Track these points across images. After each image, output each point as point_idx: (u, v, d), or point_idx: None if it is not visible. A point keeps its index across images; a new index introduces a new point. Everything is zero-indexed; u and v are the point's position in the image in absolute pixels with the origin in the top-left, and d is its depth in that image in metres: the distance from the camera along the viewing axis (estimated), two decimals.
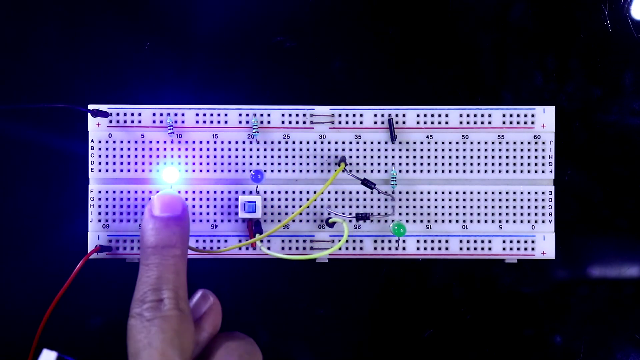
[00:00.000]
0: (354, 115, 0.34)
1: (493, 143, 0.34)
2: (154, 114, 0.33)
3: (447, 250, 0.34)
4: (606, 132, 0.35)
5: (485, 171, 0.34)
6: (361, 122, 0.34)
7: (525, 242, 0.34)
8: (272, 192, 0.34)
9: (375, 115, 0.34)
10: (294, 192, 0.34)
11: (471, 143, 0.34)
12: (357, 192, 0.34)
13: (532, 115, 0.34)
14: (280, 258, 0.31)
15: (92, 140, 0.33)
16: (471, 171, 0.34)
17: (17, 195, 0.35)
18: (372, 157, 0.34)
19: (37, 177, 0.35)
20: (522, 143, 0.34)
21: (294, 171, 0.34)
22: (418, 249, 0.34)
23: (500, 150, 0.34)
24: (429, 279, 0.36)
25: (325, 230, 0.34)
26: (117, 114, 0.33)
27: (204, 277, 0.35)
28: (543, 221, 0.34)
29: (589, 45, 0.35)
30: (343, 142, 0.34)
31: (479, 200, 0.34)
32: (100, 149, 0.33)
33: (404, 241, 0.34)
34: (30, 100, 0.35)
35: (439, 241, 0.34)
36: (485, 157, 0.34)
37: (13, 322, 0.35)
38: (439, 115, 0.34)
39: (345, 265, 0.35)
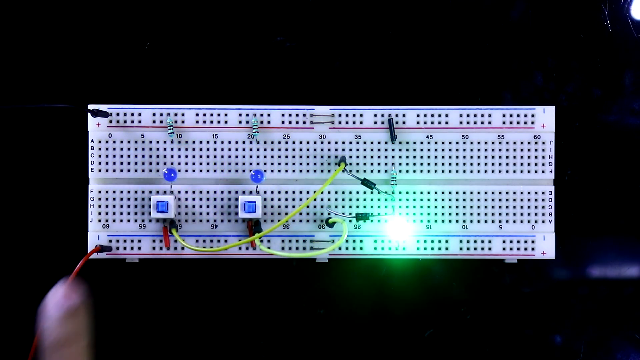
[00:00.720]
0: (354, 115, 0.34)
1: (493, 143, 0.34)
2: (154, 114, 0.33)
3: (447, 250, 0.34)
4: (606, 132, 0.35)
5: (485, 171, 0.34)
6: (361, 122, 0.34)
7: (525, 242, 0.34)
8: (272, 192, 0.34)
9: (375, 115, 0.34)
10: (294, 192, 0.34)
11: (471, 143, 0.34)
12: (357, 192, 0.34)
13: (532, 115, 0.34)
14: (280, 257, 0.31)
15: (92, 140, 0.33)
16: (471, 171, 0.34)
17: (17, 195, 0.35)
18: (372, 157, 0.34)
19: (37, 177, 0.35)
20: (522, 143, 0.34)
21: (294, 171, 0.34)
22: (418, 249, 0.34)
23: (500, 150, 0.34)
24: (429, 279, 0.36)
25: (325, 230, 0.34)
26: (117, 114, 0.33)
27: (204, 277, 0.35)
28: (543, 221, 0.34)
29: (589, 45, 0.35)
30: (343, 142, 0.34)
31: (479, 200, 0.34)
32: (100, 149, 0.33)
33: (404, 241, 0.34)
34: (30, 100, 0.35)
35: (439, 241, 0.34)
36: (485, 157, 0.34)
37: (13, 322, 0.35)
38: (439, 115, 0.34)
39: (345, 265, 0.35)
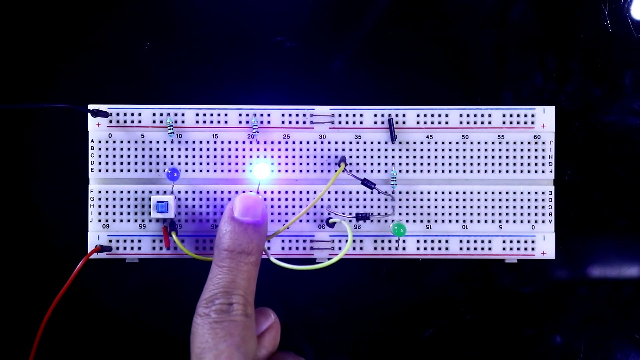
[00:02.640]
0: (354, 115, 0.34)
1: (493, 143, 0.34)
2: (154, 114, 0.33)
3: (447, 250, 0.34)
4: (606, 132, 0.35)
5: (485, 171, 0.34)
6: (361, 122, 0.34)
7: (525, 242, 0.34)
8: (272, 192, 0.34)
9: (375, 115, 0.34)
10: (294, 192, 0.34)
11: (471, 143, 0.34)
12: (357, 192, 0.34)
13: (532, 115, 0.34)
14: (284, 267, 0.31)
15: (92, 140, 0.33)
16: (471, 171, 0.34)
17: (17, 195, 0.35)
18: (372, 157, 0.34)
19: (37, 177, 0.35)
20: (522, 143, 0.34)
21: (294, 171, 0.34)
22: (418, 249, 0.34)
23: (500, 150, 0.34)
24: (429, 279, 0.36)
25: (325, 230, 0.34)
26: (117, 114, 0.33)
27: (204, 277, 0.35)
28: (543, 221, 0.34)
29: (589, 45, 0.35)
30: (343, 142, 0.34)
31: (479, 200, 0.34)
32: (100, 149, 0.33)
33: (404, 241, 0.34)
34: (30, 100, 0.35)
35: (439, 241, 0.34)
36: (485, 157, 0.34)
37: (13, 322, 0.35)
38: (439, 115, 0.34)
39: (345, 265, 0.35)
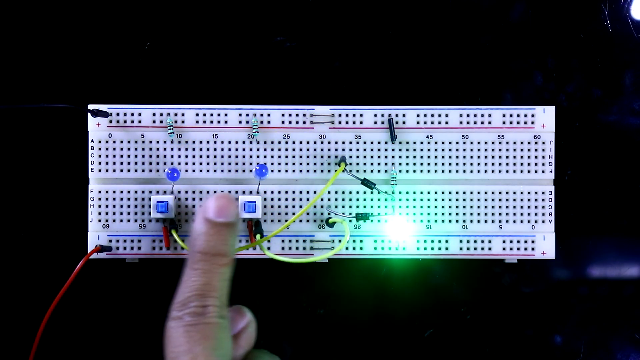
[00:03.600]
0: (354, 115, 0.34)
1: (493, 143, 0.34)
2: (154, 114, 0.33)
3: (447, 250, 0.34)
4: (606, 132, 0.35)
5: (485, 171, 0.34)
6: (361, 122, 0.34)
7: (525, 242, 0.34)
8: (272, 192, 0.34)
9: (375, 115, 0.34)
10: (294, 192, 0.34)
11: (471, 143, 0.34)
12: (357, 192, 0.34)
13: (532, 115, 0.34)
14: (282, 261, 0.31)
15: (92, 140, 0.33)
16: (471, 171, 0.34)
17: (17, 195, 0.35)
18: (372, 157, 0.34)
19: (37, 177, 0.35)
20: (522, 143, 0.34)
21: (294, 171, 0.34)
22: (418, 249, 0.34)
23: (500, 150, 0.34)
24: (429, 279, 0.36)
25: (325, 230, 0.34)
26: (117, 114, 0.33)
27: None
28: (543, 221, 0.34)
29: (589, 45, 0.35)
30: (343, 142, 0.34)
31: (479, 200, 0.34)
32: (100, 149, 0.33)
33: (404, 241, 0.34)
34: (30, 100, 0.35)
35: (439, 241, 0.34)
36: (485, 157, 0.34)
37: (13, 322, 0.35)
38: (439, 115, 0.34)
39: (345, 265, 0.35)
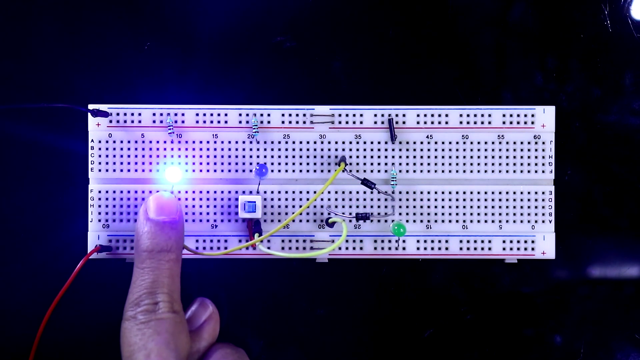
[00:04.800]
0: (354, 115, 0.34)
1: (493, 143, 0.34)
2: (154, 114, 0.34)
3: (447, 250, 0.34)
4: (606, 132, 0.35)
5: (485, 171, 0.34)
6: (361, 122, 0.34)
7: (525, 242, 0.34)
8: (272, 192, 0.34)
9: (375, 115, 0.34)
10: (294, 192, 0.34)
11: (471, 143, 0.34)
12: (357, 192, 0.34)
13: (532, 115, 0.34)
14: (280, 257, 0.31)
15: (92, 140, 0.33)
16: (471, 171, 0.34)
17: (17, 195, 0.35)
18: (372, 157, 0.34)
19: (37, 177, 0.35)
20: (522, 143, 0.34)
21: (294, 171, 0.34)
22: (418, 249, 0.34)
23: (500, 150, 0.34)
24: (429, 279, 0.36)
25: (325, 230, 0.34)
26: (117, 114, 0.33)
27: (204, 277, 0.35)
28: (543, 221, 0.34)
29: (589, 45, 0.35)
30: (343, 142, 0.34)
31: (479, 200, 0.34)
32: (100, 149, 0.33)
33: (404, 241, 0.34)
34: (30, 100, 0.35)
35: (439, 241, 0.34)
36: (485, 157, 0.34)
37: (13, 322, 0.35)
38: (439, 115, 0.34)
39: (345, 265, 0.35)
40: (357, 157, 0.34)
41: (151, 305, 0.26)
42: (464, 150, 0.34)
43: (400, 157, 0.34)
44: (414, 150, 0.34)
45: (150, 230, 0.27)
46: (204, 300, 0.29)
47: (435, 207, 0.34)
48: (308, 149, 0.34)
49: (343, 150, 0.34)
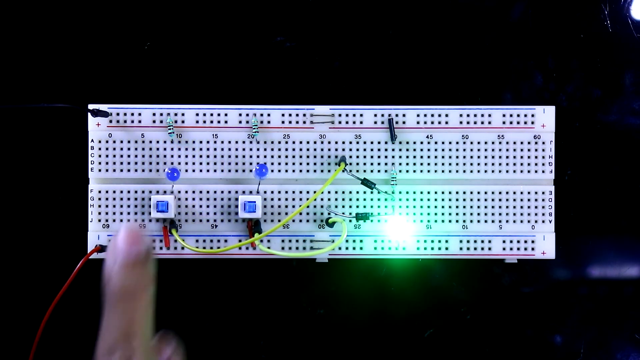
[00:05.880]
0: (354, 115, 0.34)
1: (493, 143, 0.34)
2: (154, 114, 0.33)
3: (447, 250, 0.34)
4: (606, 132, 0.35)
5: (485, 171, 0.34)
6: (361, 122, 0.34)
7: (525, 242, 0.34)
8: (272, 192, 0.34)
9: (375, 115, 0.34)
10: (294, 192, 0.34)
11: (471, 143, 0.34)
12: (357, 192, 0.34)
13: (532, 115, 0.34)
14: (280, 256, 0.31)
15: (92, 140, 0.33)
16: (471, 171, 0.34)
17: (17, 195, 0.35)
18: (372, 157, 0.34)
19: (37, 177, 0.35)
20: (522, 143, 0.34)
21: (294, 171, 0.34)
22: (418, 249, 0.34)
23: (500, 150, 0.34)
24: (429, 279, 0.36)
25: (325, 230, 0.34)
26: (117, 114, 0.33)
27: (204, 277, 0.35)
28: (543, 221, 0.34)
29: (589, 45, 0.35)
30: (343, 142, 0.34)
31: (479, 200, 0.34)
32: (100, 148, 0.33)
33: (404, 241, 0.34)
34: (30, 100, 0.35)
35: (439, 241, 0.34)
36: (485, 157, 0.34)
37: (13, 322, 0.35)
38: (439, 115, 0.34)
39: (345, 265, 0.35)
40: (357, 157, 0.34)
41: (127, 353, 0.25)
42: (464, 150, 0.34)
43: (400, 157, 0.34)
44: (414, 150, 0.34)
45: (120, 271, 0.25)
46: (166, 334, 0.28)
47: (435, 207, 0.34)
48: (308, 149, 0.34)
49: (343, 150, 0.34)
